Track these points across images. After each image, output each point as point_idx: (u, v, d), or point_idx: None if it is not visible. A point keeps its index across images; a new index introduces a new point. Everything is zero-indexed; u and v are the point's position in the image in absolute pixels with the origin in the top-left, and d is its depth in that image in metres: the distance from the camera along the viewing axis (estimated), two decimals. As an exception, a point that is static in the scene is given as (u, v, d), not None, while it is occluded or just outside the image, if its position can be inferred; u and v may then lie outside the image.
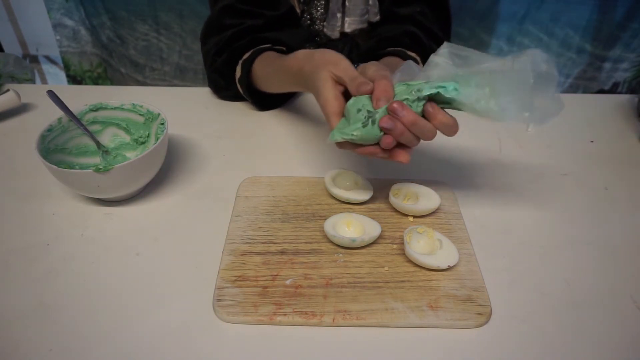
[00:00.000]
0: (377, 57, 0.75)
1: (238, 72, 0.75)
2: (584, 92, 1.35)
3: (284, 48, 0.75)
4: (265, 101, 0.79)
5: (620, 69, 1.27)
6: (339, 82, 0.53)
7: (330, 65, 0.53)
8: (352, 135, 0.50)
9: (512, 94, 0.46)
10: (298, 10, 0.81)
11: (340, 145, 0.53)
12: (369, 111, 0.49)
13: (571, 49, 1.26)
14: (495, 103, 0.46)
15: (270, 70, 0.70)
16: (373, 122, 0.49)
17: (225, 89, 0.80)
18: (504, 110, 0.46)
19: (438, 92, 0.48)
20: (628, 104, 0.85)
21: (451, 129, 0.50)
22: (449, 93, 0.48)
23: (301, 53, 0.60)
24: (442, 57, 0.49)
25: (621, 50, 1.23)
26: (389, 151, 0.51)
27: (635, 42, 1.21)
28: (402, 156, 0.51)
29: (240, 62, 0.75)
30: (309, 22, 0.83)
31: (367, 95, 0.50)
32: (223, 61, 0.76)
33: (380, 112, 0.49)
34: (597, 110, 0.84)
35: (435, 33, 0.79)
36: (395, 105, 0.48)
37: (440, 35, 0.81)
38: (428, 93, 0.48)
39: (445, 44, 0.49)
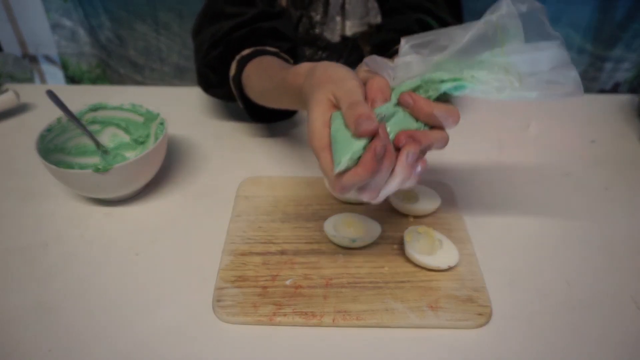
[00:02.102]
0: (387, 55, 0.67)
1: (233, 70, 0.67)
2: (585, 92, 1.35)
3: (290, 58, 0.69)
4: (258, 111, 0.70)
5: (621, 69, 1.27)
6: (336, 105, 0.41)
7: (332, 83, 0.41)
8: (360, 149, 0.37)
9: (540, 63, 0.39)
10: (295, 15, 0.80)
11: (345, 182, 0.38)
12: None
13: (572, 49, 1.25)
14: (524, 85, 0.39)
15: (268, 85, 0.60)
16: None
17: (216, 87, 0.72)
18: (545, 88, 0.39)
19: (445, 92, 0.40)
20: (628, 104, 0.85)
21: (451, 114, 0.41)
22: (459, 90, 0.40)
23: (303, 68, 0.49)
24: (407, 55, 0.41)
25: (622, 51, 1.23)
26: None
27: (637, 42, 1.21)
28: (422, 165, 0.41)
29: (238, 57, 0.67)
30: (308, 26, 0.82)
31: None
32: (218, 55, 0.69)
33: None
34: (597, 110, 0.84)
35: (447, 21, 0.73)
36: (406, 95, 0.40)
37: (453, 22, 0.73)
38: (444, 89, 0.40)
39: (402, 40, 0.41)
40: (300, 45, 0.84)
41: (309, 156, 0.71)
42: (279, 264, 0.53)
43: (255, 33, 0.68)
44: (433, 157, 0.70)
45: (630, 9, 1.16)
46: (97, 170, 0.54)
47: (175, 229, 0.58)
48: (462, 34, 0.40)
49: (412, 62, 0.41)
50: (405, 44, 0.41)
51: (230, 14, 0.70)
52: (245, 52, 0.67)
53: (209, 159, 0.70)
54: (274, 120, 0.75)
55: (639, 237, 0.58)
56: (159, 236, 0.57)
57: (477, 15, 0.41)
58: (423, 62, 0.41)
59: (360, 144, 0.37)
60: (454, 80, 0.40)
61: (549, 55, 0.40)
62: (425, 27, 0.71)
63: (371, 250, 0.54)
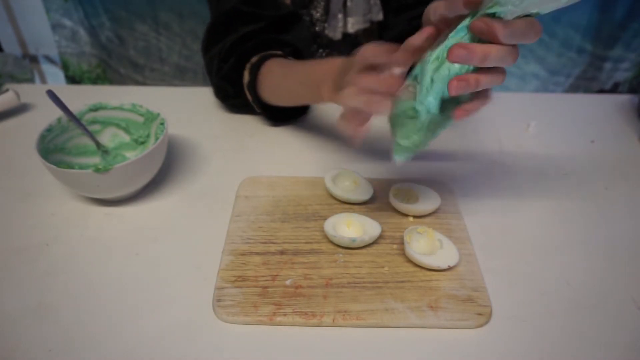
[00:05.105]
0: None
1: (246, 77, 0.71)
2: (585, 92, 1.35)
3: (292, 58, 0.72)
4: (277, 113, 0.74)
5: (620, 69, 1.27)
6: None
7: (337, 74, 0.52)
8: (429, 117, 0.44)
9: None
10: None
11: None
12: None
13: (572, 48, 1.26)
14: None
15: (291, 82, 0.65)
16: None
17: (233, 97, 0.76)
18: None
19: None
20: (628, 104, 0.85)
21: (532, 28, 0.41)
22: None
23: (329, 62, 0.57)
24: None
25: (622, 50, 1.23)
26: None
27: (636, 41, 1.21)
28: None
29: (248, 66, 0.70)
30: (308, 24, 0.82)
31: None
32: (230, 67, 0.72)
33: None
34: (597, 110, 0.84)
35: None
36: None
37: None
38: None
39: None
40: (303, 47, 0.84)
41: (309, 156, 0.71)
42: (279, 264, 0.53)
43: (263, 42, 0.71)
44: (433, 157, 0.70)
45: (630, 8, 1.16)
46: (97, 170, 0.54)
47: (175, 229, 0.58)
48: None
49: None
50: None
51: (234, 29, 0.73)
52: (254, 59, 0.70)
53: (209, 159, 0.70)
54: (292, 120, 0.77)
55: (639, 237, 0.58)
56: (159, 236, 0.57)
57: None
58: None
59: (417, 136, 0.47)
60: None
61: None
62: None
63: (371, 250, 0.54)
